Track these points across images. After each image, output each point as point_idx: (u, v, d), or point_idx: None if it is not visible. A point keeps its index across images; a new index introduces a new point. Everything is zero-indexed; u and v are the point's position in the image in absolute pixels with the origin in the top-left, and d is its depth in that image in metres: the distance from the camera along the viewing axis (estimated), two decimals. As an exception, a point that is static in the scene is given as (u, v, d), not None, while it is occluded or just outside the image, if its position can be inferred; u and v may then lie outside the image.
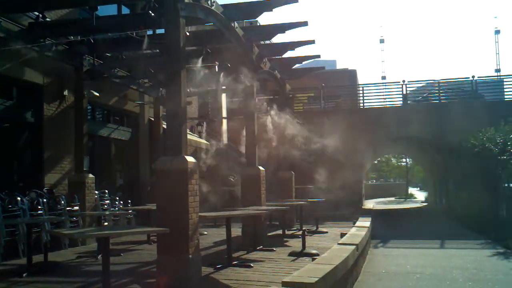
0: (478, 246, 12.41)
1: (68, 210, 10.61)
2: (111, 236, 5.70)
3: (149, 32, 11.55)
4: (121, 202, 13.36)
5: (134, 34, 10.75)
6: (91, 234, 6.35)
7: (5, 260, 8.66)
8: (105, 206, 12.47)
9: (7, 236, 8.88)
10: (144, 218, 12.58)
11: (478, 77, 22.99)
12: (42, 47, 10.20)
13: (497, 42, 64.85)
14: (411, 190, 52.44)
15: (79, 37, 11.10)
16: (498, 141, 14.84)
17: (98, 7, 10.25)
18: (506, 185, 17.00)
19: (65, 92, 12.08)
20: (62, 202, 10.57)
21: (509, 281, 8.36)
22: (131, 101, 15.49)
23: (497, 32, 52.30)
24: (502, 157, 14.24)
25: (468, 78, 22.94)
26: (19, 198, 9.39)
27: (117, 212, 12.52)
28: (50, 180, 11.50)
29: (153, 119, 16.27)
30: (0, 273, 7.69)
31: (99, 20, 10.15)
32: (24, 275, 7.36)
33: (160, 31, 11.00)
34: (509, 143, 13.28)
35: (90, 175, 11.60)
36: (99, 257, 8.60)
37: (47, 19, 10.36)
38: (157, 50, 11.65)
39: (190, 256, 6.58)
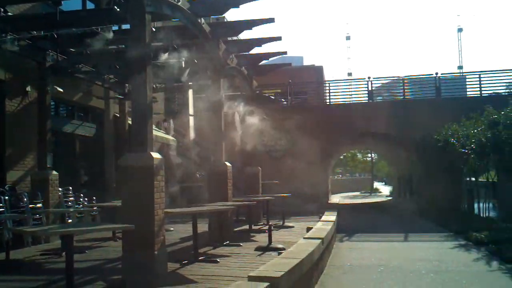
0: (441, 238, 12.69)
1: (31, 207, 10.42)
2: (74, 233, 5.65)
3: (115, 27, 11.43)
4: (86, 199, 13.19)
5: (99, 30, 10.63)
6: (55, 232, 6.25)
7: (-34, 259, 8.48)
8: (69, 203, 12.28)
9: (-32, 235, 8.69)
10: (109, 215, 12.45)
11: (441, 74, 23.45)
12: (4, 42, 9.97)
13: (460, 40, 66.32)
14: (376, 184, 53.20)
15: (42, 32, 10.88)
16: (460, 136, 15.17)
17: (62, 2, 10.04)
18: (467, 179, 17.41)
19: (28, 88, 11.86)
20: (25, 199, 10.38)
21: (470, 271, 8.58)
22: (96, 97, 15.29)
23: (460, 30, 53.66)
24: (464, 152, 14.56)
25: (432, 75, 23.38)
26: (-20, 196, 9.19)
27: (82, 209, 12.37)
28: (12, 177, 11.28)
29: (118, 115, 16.11)
30: (-39, 272, 7.53)
31: (63, 15, 9.95)
32: (-15, 274, 7.22)
33: (126, 26, 10.91)
34: (474, 140, 13.61)
35: (54, 172, 11.42)
36: (63, 254, 8.49)
37: (9, 14, 10.13)
38: (123, 46, 11.53)
39: (156, 252, 6.57)
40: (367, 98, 23.66)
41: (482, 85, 22.36)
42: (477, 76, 22.70)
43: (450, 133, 16.17)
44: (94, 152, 15.76)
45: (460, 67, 51.75)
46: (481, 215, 15.14)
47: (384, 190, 47.10)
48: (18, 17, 10.79)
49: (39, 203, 10.73)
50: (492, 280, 7.96)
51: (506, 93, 21.68)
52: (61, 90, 12.29)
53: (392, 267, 9.05)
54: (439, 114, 20.09)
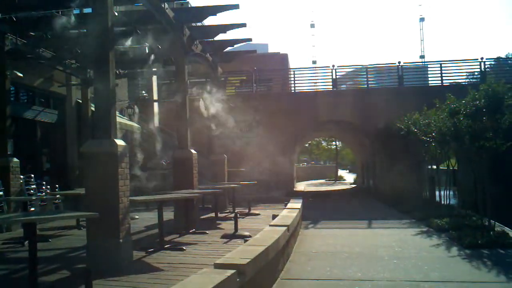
0: (403, 225, 12.92)
1: (-10, 195, 10.17)
2: (38, 221, 5.52)
3: (76, 11, 11.16)
4: (48, 186, 12.94)
5: (60, 13, 10.37)
6: (17, 220, 6.13)
7: None
8: (31, 191, 12.02)
9: None
10: (73, 203, 12.26)
11: (404, 63, 23.81)
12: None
13: (422, 29, 67.31)
14: (341, 172, 53.78)
15: (0, 14, 10.55)
16: (421, 124, 15.43)
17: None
18: (429, 167, 17.73)
19: (-14, 73, 11.51)
20: (-16, 187, 10.12)
21: (431, 257, 8.76)
22: (57, 82, 14.96)
23: (422, 19, 54.50)
24: (426, 140, 14.82)
25: (395, 63, 23.70)
26: None
27: (44, 197, 12.13)
28: (-29, 165, 10.97)
29: (80, 101, 15.81)
30: None
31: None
32: None
33: (88, 10, 10.66)
34: (434, 128, 13.85)
35: (15, 159, 11.13)
36: (26, 243, 8.32)
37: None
38: (85, 30, 11.28)
39: (121, 240, 6.49)
40: (331, 86, 23.85)
41: (444, 74, 22.82)
42: (439, 65, 23.16)
43: (412, 121, 16.42)
44: (56, 139, 15.46)
45: (422, 57, 52.62)
46: (442, 202, 15.46)
47: (349, 177, 47.65)
48: (-25, -2, 10.45)
49: (-1, 191, 10.48)
50: (453, 265, 8.15)
51: (466, 83, 22.15)
52: (21, 75, 11.98)
53: (355, 253, 9.17)
54: (402, 102, 20.43)
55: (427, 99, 16.67)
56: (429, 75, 24.66)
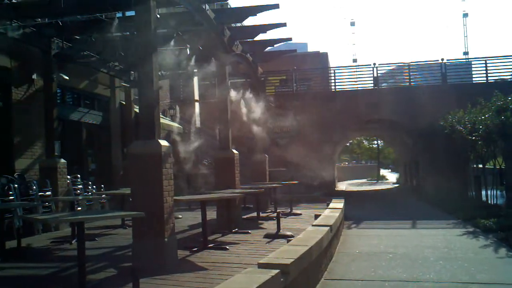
0: (448, 225, 12.66)
1: (40, 195, 10.46)
2: (85, 220, 5.65)
3: (119, 14, 11.37)
4: (94, 186, 13.23)
5: (104, 17, 10.58)
6: (66, 219, 6.28)
7: (-23, 247, 8.51)
8: (78, 191, 12.32)
9: (-22, 223, 8.72)
10: (117, 203, 12.50)
11: (447, 60, 23.35)
12: (8, 30, 9.94)
13: (465, 25, 65.65)
14: (383, 172, 53.08)
15: (46, 19, 10.84)
16: (466, 122, 15.10)
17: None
18: (474, 166, 17.34)
19: (34, 76, 11.84)
20: (34, 187, 10.41)
21: (478, 258, 8.56)
22: (102, 84, 15.28)
23: (465, 15, 53.12)
24: (471, 138, 14.49)
25: (437, 61, 23.26)
26: (-11, 184, 9.21)
27: (91, 197, 12.41)
28: (21, 166, 11.31)
29: (124, 102, 16.09)
30: (-28, 260, 7.58)
31: (67, 2, 9.91)
32: (-3, 261, 7.26)
33: (131, 13, 10.85)
34: (480, 126, 13.53)
35: (62, 160, 11.43)
36: (73, 242, 8.53)
37: (14, 1, 10.08)
38: (128, 33, 11.48)
39: (166, 239, 6.58)
40: (372, 85, 23.58)
41: (488, 71, 22.26)
42: (483, 62, 22.59)
43: (456, 119, 16.08)
44: (101, 140, 15.78)
45: (466, 53, 51.27)
46: (489, 202, 15.08)
47: (391, 177, 46.98)
48: (23, 4, 10.71)
49: (48, 191, 10.77)
50: (501, 267, 7.93)
51: (512, 79, 21.57)
52: (67, 77, 12.28)
53: (400, 254, 9.03)
54: (445, 100, 20.03)
55: (471, 97, 16.32)
56: (473, 72, 24.08)
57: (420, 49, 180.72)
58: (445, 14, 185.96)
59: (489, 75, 22.23)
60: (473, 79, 23.47)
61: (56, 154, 11.39)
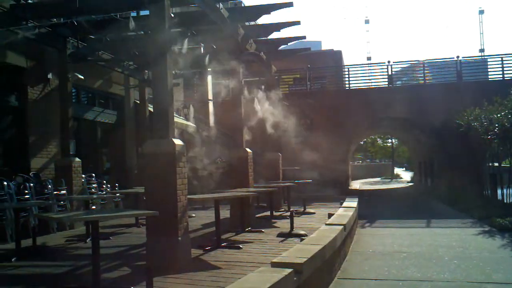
0: (464, 225, 12.56)
1: (55, 194, 10.55)
2: (100, 219, 5.70)
3: (133, 13, 11.43)
4: (109, 185, 13.31)
5: (118, 16, 10.64)
6: (80, 218, 6.33)
7: (-7, 245, 8.62)
8: (93, 190, 12.40)
9: (-6, 221, 8.83)
10: (131, 201, 12.57)
11: (462, 57, 23.16)
12: (24, 30, 10.04)
13: (481, 22, 65.17)
14: (397, 170, 52.84)
15: (61, 19, 10.93)
16: (483, 121, 14.95)
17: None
18: (490, 164, 17.19)
19: (49, 75, 11.95)
20: (49, 186, 10.50)
21: (494, 258, 8.48)
22: (116, 83, 15.37)
23: (481, 12, 52.82)
24: (487, 137, 14.36)
25: (453, 58, 23.07)
26: (5, 183, 9.30)
27: (105, 195, 12.49)
28: (36, 164, 11.42)
29: (138, 101, 16.17)
30: (-12, 258, 7.67)
31: (82, 2, 9.98)
32: (13, 259, 7.33)
33: (145, 12, 10.90)
34: (497, 124, 13.39)
35: (77, 159, 11.52)
36: (88, 240, 8.60)
37: (29, 1, 10.19)
38: (142, 32, 11.53)
39: (180, 238, 6.60)
40: (387, 83, 23.46)
41: (505, 68, 22.03)
42: (500, 59, 22.37)
43: (472, 117, 15.94)
44: (116, 139, 15.87)
45: (482, 50, 50.89)
46: (505, 201, 14.93)
47: (405, 176, 46.70)
48: (38, 4, 10.84)
49: (63, 190, 10.85)
50: (517, 266, 7.86)
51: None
52: (82, 77, 12.37)
53: (414, 253, 8.98)
54: (460, 98, 19.85)
55: (487, 95, 16.16)
56: (489, 70, 23.85)
57: (435, 46, 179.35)
58: (461, 11, 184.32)
59: (505, 72, 22.01)
60: (489, 76, 23.26)
61: (71, 153, 11.48)
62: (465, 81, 22.44)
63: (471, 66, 24.56)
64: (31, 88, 11.46)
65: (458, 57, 22.71)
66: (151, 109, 8.18)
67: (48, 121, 11.77)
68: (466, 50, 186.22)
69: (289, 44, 15.44)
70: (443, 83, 23.36)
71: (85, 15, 10.60)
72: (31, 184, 9.98)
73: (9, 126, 11.51)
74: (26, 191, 9.69)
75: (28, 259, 7.50)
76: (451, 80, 23.00)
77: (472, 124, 15.59)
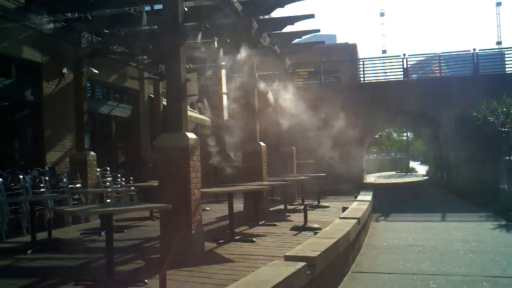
0: (479, 218, 12.46)
1: (70, 187, 10.64)
2: (114, 212, 5.73)
3: (147, 8, 11.43)
4: (123, 179, 13.39)
5: (132, 10, 10.66)
6: (95, 211, 6.37)
7: (10, 238, 8.71)
8: (107, 184, 12.50)
9: (10, 214, 8.92)
10: (146, 195, 12.64)
11: (479, 50, 22.89)
12: (39, 25, 10.11)
13: (498, 14, 64.38)
14: (412, 164, 52.52)
15: (76, 14, 10.98)
16: (500, 114, 14.79)
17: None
18: (506, 158, 17.01)
19: (64, 70, 12.03)
20: (64, 180, 10.59)
21: (510, 252, 8.40)
22: (131, 78, 15.43)
23: (499, 4, 51.97)
24: (504, 130, 14.21)
25: (469, 51, 22.82)
26: (21, 176, 9.40)
27: (120, 189, 12.57)
28: (52, 158, 11.52)
29: (153, 96, 16.23)
30: (5, 250, 7.76)
31: (96, -4, 10.04)
32: (28, 252, 7.42)
33: (158, 6, 10.92)
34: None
35: (92, 153, 11.61)
36: (103, 233, 8.65)
37: (44, -4, 10.24)
38: (156, 26, 11.55)
39: (193, 231, 6.62)
40: (402, 76, 23.28)
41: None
42: (517, 51, 22.07)
43: (489, 110, 15.77)
44: (130, 132, 15.96)
45: (499, 43, 50.20)
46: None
47: (420, 169, 46.43)
48: (53, -1, 10.90)
49: (78, 183, 10.94)
50: (534, 261, 7.77)
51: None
52: (97, 71, 12.43)
53: (429, 247, 8.93)
54: (476, 91, 19.66)
55: (505, 88, 15.97)
56: (506, 63, 23.54)
57: (451, 39, 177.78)
58: (477, 3, 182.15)
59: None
60: (506, 69, 22.97)
61: (86, 147, 11.56)
62: (482, 74, 22.17)
63: (488, 59, 24.25)
64: (47, 82, 11.56)
65: (474, 50, 22.46)
66: (166, 103, 8.20)
67: (63, 115, 11.86)
68: (483, 42, 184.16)
69: (303, 37, 15.37)
70: (459, 76, 23.10)
71: (100, 9, 10.64)
72: (47, 178, 10.07)
73: (25, 120, 11.63)
74: (42, 185, 9.79)
75: (44, 251, 7.58)
76: (468, 73, 22.75)
77: (489, 117, 15.42)
